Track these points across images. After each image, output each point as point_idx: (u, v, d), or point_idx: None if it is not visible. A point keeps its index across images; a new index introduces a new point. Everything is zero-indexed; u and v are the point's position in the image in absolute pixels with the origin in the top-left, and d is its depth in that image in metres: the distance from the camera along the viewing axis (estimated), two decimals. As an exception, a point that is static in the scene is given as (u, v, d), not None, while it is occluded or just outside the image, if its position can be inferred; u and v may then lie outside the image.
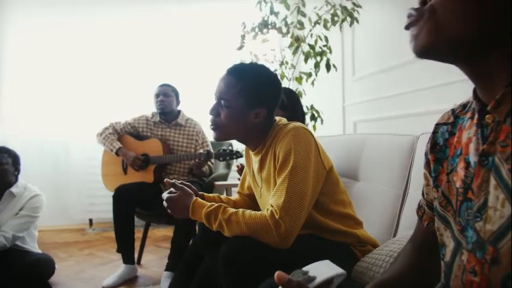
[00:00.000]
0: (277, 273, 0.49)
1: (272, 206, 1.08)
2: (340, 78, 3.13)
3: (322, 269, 0.50)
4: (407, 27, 0.52)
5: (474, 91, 0.53)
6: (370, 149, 1.67)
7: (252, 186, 1.41)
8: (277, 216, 1.05)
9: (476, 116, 0.52)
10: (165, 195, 1.27)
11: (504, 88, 0.46)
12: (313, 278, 0.49)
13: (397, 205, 1.45)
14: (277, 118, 1.30)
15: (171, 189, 1.28)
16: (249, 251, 1.06)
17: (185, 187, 1.27)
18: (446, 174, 0.58)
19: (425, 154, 0.65)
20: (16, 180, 2.17)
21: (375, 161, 1.62)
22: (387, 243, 1.14)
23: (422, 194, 0.69)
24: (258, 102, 1.21)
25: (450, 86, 2.02)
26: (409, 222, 1.36)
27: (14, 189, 2.12)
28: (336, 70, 2.76)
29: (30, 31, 3.57)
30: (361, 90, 2.94)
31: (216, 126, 1.25)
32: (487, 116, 0.49)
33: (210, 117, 1.25)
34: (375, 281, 0.66)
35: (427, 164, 0.64)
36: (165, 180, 1.32)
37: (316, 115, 2.80)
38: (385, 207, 1.49)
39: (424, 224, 0.69)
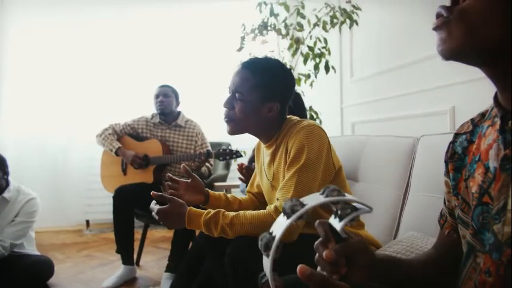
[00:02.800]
0: (299, 266, 0.49)
1: (278, 200, 1.09)
2: (338, 79, 3.14)
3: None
4: (435, 29, 0.51)
5: (495, 98, 0.53)
6: (370, 151, 1.68)
7: (260, 181, 1.41)
8: None
9: (498, 122, 0.52)
10: (154, 207, 1.21)
11: None
12: (343, 194, 0.51)
13: (398, 206, 1.46)
14: (288, 116, 1.31)
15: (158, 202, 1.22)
16: (255, 249, 1.06)
17: (175, 197, 1.22)
18: (464, 180, 0.59)
19: (445, 162, 0.65)
20: (7, 184, 2.07)
21: (375, 163, 1.63)
22: (390, 244, 1.15)
23: (444, 202, 0.69)
24: (272, 96, 1.22)
25: (448, 88, 2.03)
26: (409, 223, 1.37)
27: (6, 194, 2.03)
28: (335, 72, 2.77)
29: (30, 31, 3.56)
30: (359, 92, 2.95)
31: (229, 119, 1.25)
32: (510, 121, 0.50)
33: (224, 110, 1.25)
34: (397, 257, 0.66)
35: (447, 172, 0.65)
36: (151, 193, 1.22)
37: (314, 116, 2.82)
38: (386, 209, 1.50)
39: (445, 232, 0.69)
